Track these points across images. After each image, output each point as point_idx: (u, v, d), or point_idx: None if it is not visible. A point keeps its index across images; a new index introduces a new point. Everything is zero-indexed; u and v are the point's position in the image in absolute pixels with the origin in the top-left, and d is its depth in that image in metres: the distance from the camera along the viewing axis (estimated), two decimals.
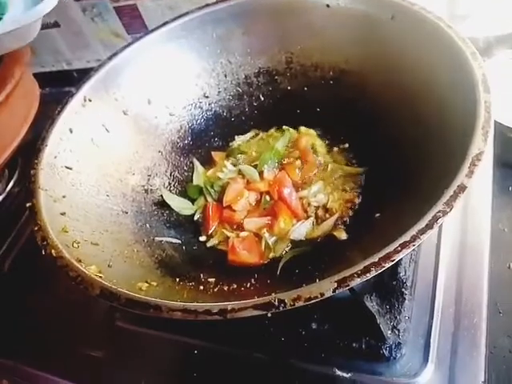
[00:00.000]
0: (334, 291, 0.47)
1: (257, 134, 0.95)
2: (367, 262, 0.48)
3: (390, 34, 0.78)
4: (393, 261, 0.48)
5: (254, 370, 0.71)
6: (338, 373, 0.67)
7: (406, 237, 0.49)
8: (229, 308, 0.48)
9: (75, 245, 0.63)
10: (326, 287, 0.47)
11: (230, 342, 0.74)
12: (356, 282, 0.47)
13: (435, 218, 0.49)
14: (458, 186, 0.51)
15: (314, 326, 0.69)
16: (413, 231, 0.49)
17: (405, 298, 0.70)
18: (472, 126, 0.56)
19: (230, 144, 0.95)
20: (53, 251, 0.59)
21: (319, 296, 0.47)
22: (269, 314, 0.47)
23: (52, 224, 0.63)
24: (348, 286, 0.47)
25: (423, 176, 0.64)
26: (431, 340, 0.67)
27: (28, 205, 0.65)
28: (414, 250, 0.49)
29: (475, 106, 0.58)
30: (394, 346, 0.66)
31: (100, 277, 0.56)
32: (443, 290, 0.72)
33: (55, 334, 0.85)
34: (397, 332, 0.67)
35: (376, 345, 0.66)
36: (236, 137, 0.95)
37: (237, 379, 0.72)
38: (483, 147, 0.54)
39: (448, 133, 0.62)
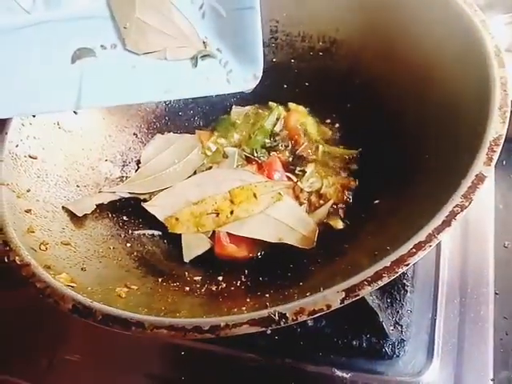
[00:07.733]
0: (341, 302, 0.41)
1: (243, 112, 0.86)
2: (378, 267, 0.42)
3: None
4: (407, 265, 0.42)
5: (246, 371, 0.66)
6: (338, 373, 0.63)
7: (421, 236, 0.43)
8: (222, 324, 0.42)
9: (43, 247, 0.56)
10: (332, 298, 0.42)
11: (219, 342, 0.68)
12: (367, 290, 0.42)
13: (453, 214, 0.44)
14: (476, 176, 0.46)
15: (310, 323, 0.64)
16: (428, 229, 0.43)
17: (406, 291, 0.65)
18: (487, 107, 0.50)
19: (212, 123, 0.87)
20: (17, 258, 0.51)
21: (325, 308, 0.41)
22: (268, 331, 0.42)
23: (16, 224, 0.56)
24: (358, 295, 0.42)
25: (430, 160, 0.58)
26: (435, 335, 0.63)
27: None
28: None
29: (489, 83, 0.52)
30: (396, 343, 0.62)
31: (72, 287, 0.49)
32: (446, 279, 0.67)
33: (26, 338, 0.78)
34: (399, 328, 0.63)
35: (377, 342, 0.62)
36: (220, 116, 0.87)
37: (227, 382, 0.67)
38: (502, 130, 0.48)
39: (458, 113, 0.55)
